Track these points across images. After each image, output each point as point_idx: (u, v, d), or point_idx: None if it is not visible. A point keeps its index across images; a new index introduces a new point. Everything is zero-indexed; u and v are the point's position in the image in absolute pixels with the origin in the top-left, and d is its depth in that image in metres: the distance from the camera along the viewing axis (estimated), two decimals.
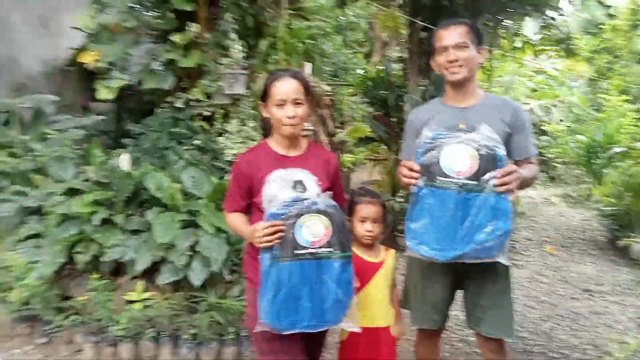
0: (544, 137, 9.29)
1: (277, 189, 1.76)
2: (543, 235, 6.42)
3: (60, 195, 3.32)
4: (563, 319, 3.84)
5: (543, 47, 8.48)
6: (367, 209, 2.14)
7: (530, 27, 8.33)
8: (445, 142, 1.83)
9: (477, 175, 1.77)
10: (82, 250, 3.03)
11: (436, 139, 1.85)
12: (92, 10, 4.31)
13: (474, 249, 1.80)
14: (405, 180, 1.89)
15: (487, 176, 1.77)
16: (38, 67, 7.28)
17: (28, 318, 3.04)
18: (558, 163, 10.37)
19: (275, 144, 1.93)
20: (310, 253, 1.71)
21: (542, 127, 9.46)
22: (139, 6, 4.16)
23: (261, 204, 1.79)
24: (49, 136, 4.14)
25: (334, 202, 1.77)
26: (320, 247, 1.72)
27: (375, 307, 2.17)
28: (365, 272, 2.15)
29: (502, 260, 1.85)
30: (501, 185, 1.76)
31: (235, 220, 1.93)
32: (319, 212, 1.71)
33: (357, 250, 2.17)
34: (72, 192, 3.38)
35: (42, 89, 6.06)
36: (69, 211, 3.13)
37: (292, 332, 1.72)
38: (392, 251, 2.29)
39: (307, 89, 1.88)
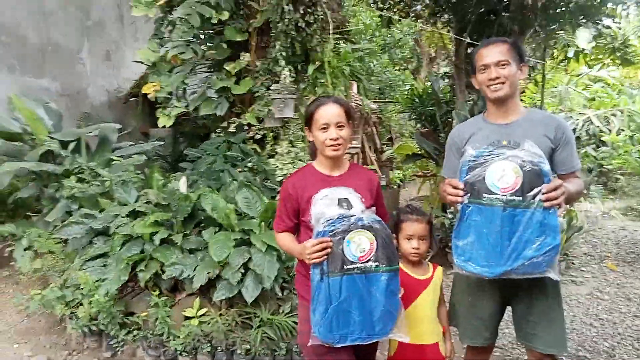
0: (604, 148, 8.91)
1: (324, 207, 1.85)
2: (603, 251, 6.15)
3: (124, 217, 3.56)
4: (625, 338, 3.67)
5: (597, 57, 8.20)
6: (413, 227, 2.19)
7: (583, 36, 8.11)
8: (490, 159, 1.86)
9: (522, 191, 1.79)
10: (143, 268, 3.23)
11: (480, 156, 1.89)
12: (153, 44, 4.62)
13: (523, 264, 1.81)
14: (451, 198, 1.93)
15: (532, 192, 1.79)
16: (102, 97, 7.83)
17: (95, 333, 3.25)
18: (619, 175, 9.91)
19: (320, 166, 2.04)
20: (358, 267, 1.79)
21: (601, 138, 9.08)
22: (194, 39, 4.43)
23: (309, 223, 1.89)
24: (113, 162, 4.43)
25: (378, 218, 1.85)
26: (367, 261, 1.79)
27: (422, 324, 2.18)
28: (413, 289, 2.18)
29: (552, 275, 1.85)
30: (547, 200, 1.78)
31: (285, 240, 2.05)
32: (364, 227, 1.79)
33: (405, 267, 2.22)
34: (135, 214, 3.62)
35: (105, 118, 6.51)
36: (132, 232, 3.36)
37: (344, 345, 1.79)
38: (440, 268, 2.31)
39: (349, 112, 1.99)
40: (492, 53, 2.03)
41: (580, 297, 4.50)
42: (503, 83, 2.01)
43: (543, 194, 1.77)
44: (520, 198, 1.80)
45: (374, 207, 1.92)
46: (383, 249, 1.82)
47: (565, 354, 3.35)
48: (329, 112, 1.93)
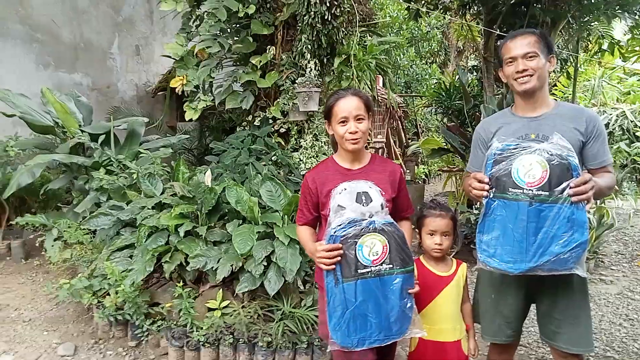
0: (637, 144, 8.62)
1: (342, 200, 1.84)
2: (635, 249, 5.97)
3: (151, 209, 3.62)
4: None
5: (634, 49, 7.91)
6: (435, 222, 2.15)
7: (619, 27, 7.83)
8: (516, 153, 1.81)
9: (549, 186, 1.75)
10: (168, 259, 3.28)
11: (506, 150, 1.84)
12: (180, 38, 4.67)
13: (549, 261, 1.77)
14: (476, 192, 1.89)
15: (560, 186, 1.74)
16: (132, 91, 7.98)
17: (121, 322, 3.32)
18: None
19: (340, 159, 2.03)
20: (372, 271, 1.77)
21: (636, 133, 8.79)
22: (221, 33, 4.45)
23: (328, 216, 1.88)
24: (141, 155, 4.51)
25: (390, 220, 1.82)
26: (381, 264, 1.78)
27: (443, 321, 2.16)
28: (434, 286, 2.15)
29: (580, 272, 1.81)
30: (575, 195, 1.72)
31: (303, 234, 2.06)
32: (376, 230, 1.77)
33: (427, 263, 2.19)
34: (161, 206, 3.68)
35: (134, 112, 6.63)
36: (157, 224, 3.41)
37: (363, 348, 1.79)
38: (464, 265, 2.27)
39: (368, 105, 1.96)
40: (520, 45, 1.98)
41: (609, 297, 4.38)
42: (531, 75, 1.97)
43: (571, 188, 1.72)
44: (547, 193, 1.75)
45: (387, 209, 1.88)
46: (396, 251, 1.80)
47: (592, 354, 3.27)
48: (348, 105, 1.92)
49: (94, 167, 4.48)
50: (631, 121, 9.08)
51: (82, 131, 4.79)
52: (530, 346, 3.42)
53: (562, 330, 2.01)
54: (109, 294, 3.26)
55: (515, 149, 1.82)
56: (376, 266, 1.77)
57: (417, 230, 2.24)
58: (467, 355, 2.20)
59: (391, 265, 1.79)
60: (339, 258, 1.75)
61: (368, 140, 5.17)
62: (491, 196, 1.85)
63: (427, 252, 2.19)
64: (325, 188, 1.93)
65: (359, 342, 1.79)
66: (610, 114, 9.16)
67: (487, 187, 1.85)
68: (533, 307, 2.19)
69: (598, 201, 5.16)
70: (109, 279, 3.24)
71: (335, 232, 1.77)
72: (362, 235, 1.76)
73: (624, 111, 9.21)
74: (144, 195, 3.88)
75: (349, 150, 1.96)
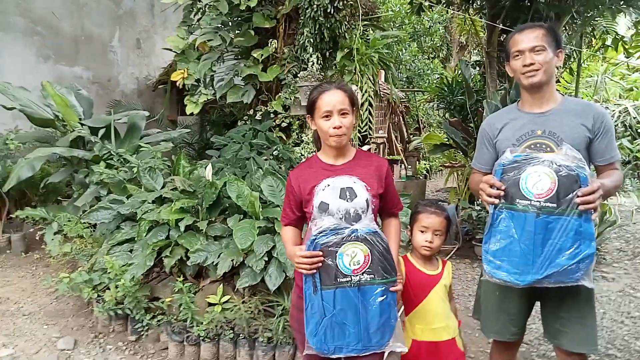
0: None
1: (325, 197, 1.80)
2: (637, 246, 5.95)
3: (151, 203, 3.60)
4: None
5: (638, 44, 7.86)
6: (428, 219, 2.12)
7: (623, 23, 7.78)
8: (525, 163, 1.78)
9: (557, 198, 1.72)
10: (169, 254, 3.26)
11: (515, 161, 1.80)
12: (181, 31, 4.63)
13: (556, 273, 1.75)
14: (486, 199, 1.85)
15: (568, 198, 1.71)
16: (132, 85, 7.94)
17: (121, 316, 3.30)
18: None
19: (324, 156, 1.96)
20: (352, 280, 1.73)
21: (638, 130, 8.76)
22: (222, 26, 4.42)
23: (312, 214, 1.84)
24: (141, 149, 4.48)
25: (374, 229, 1.77)
26: (362, 274, 1.74)
27: (436, 320, 2.12)
28: (425, 285, 2.12)
29: (587, 283, 1.78)
30: (583, 204, 1.69)
31: (286, 235, 2.00)
32: (358, 239, 1.72)
33: (416, 263, 2.16)
34: (161, 200, 3.66)
35: (135, 105, 6.61)
36: (158, 218, 3.39)
37: (340, 356, 1.76)
38: (449, 264, 2.24)
39: (352, 99, 1.88)
40: (527, 38, 1.94)
41: (611, 294, 4.36)
42: (538, 70, 1.93)
43: (578, 197, 1.69)
44: (555, 205, 1.72)
45: (373, 204, 1.85)
46: (379, 261, 1.75)
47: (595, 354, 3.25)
48: (332, 99, 1.83)
49: (94, 161, 4.46)
50: (634, 117, 9.05)
51: (83, 124, 4.77)
52: (531, 343, 3.40)
53: (567, 330, 1.98)
54: (108, 288, 3.25)
55: (524, 159, 1.79)
56: (356, 276, 1.73)
57: (409, 226, 2.21)
58: (463, 351, 2.18)
59: (372, 276, 1.74)
60: (319, 265, 1.71)
61: (370, 135, 5.15)
62: (499, 206, 1.83)
63: (417, 249, 2.15)
64: (308, 186, 1.87)
65: (336, 349, 1.75)
66: (613, 111, 9.11)
67: (496, 193, 1.81)
68: (537, 304, 2.17)
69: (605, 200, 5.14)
70: (109, 273, 3.22)
71: (316, 240, 1.72)
72: (344, 243, 1.71)
73: (627, 107, 9.17)
74: (144, 189, 3.86)
75: (332, 146, 1.88)
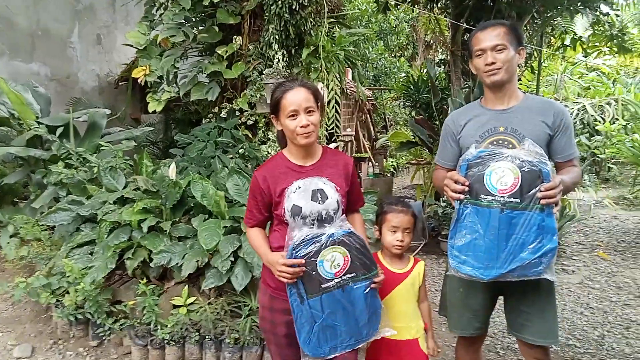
0: (597, 137, 8.90)
1: (297, 200, 1.79)
2: (595, 240, 6.16)
3: (112, 203, 3.49)
4: (614, 327, 3.67)
5: (594, 44, 8.14)
6: (398, 218, 2.11)
7: (580, 23, 8.03)
8: (489, 159, 1.81)
9: (520, 193, 1.75)
10: (131, 256, 3.17)
11: (480, 157, 1.83)
12: (143, 27, 4.51)
13: (519, 267, 1.78)
14: (451, 194, 1.87)
15: (531, 193, 1.75)
16: (93, 82, 7.71)
17: (82, 321, 3.19)
18: (612, 164, 9.92)
19: (291, 155, 1.91)
20: (336, 283, 1.75)
21: (596, 127, 9.07)
22: (185, 21, 4.32)
23: (283, 217, 1.81)
24: (102, 148, 4.35)
25: (349, 229, 1.78)
26: (344, 275, 1.76)
27: (396, 319, 2.08)
28: (387, 283, 2.09)
29: (549, 276, 1.82)
30: (544, 198, 1.73)
31: (255, 237, 1.94)
32: (335, 243, 1.73)
33: (383, 261, 2.16)
34: (123, 201, 3.56)
35: (96, 103, 6.41)
36: (119, 219, 3.29)
37: (335, 355, 1.80)
38: (421, 263, 2.21)
39: (317, 96, 1.85)
40: (489, 37, 1.96)
41: (571, 286, 4.49)
42: (500, 68, 1.95)
43: (541, 191, 1.73)
44: (518, 200, 1.76)
45: (343, 205, 1.86)
46: (358, 259, 1.78)
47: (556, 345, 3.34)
48: (297, 98, 1.79)
49: (52, 161, 4.30)
50: (591, 115, 9.36)
51: (40, 123, 4.59)
52: (495, 336, 3.47)
53: (530, 323, 2.03)
54: (68, 293, 3.13)
55: (488, 155, 1.81)
56: (339, 278, 1.75)
57: (376, 226, 2.20)
58: (426, 354, 2.17)
59: (354, 274, 1.77)
60: (300, 273, 1.70)
61: (337, 133, 5.14)
62: (464, 202, 1.84)
63: (388, 248, 2.14)
64: (278, 187, 1.83)
65: (331, 350, 1.79)
66: (572, 109, 9.41)
67: (461, 188, 1.83)
68: (500, 298, 2.20)
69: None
70: (68, 276, 3.11)
71: (295, 252, 1.71)
72: (322, 250, 1.71)
73: (585, 105, 9.48)
74: (105, 190, 3.75)
75: (301, 145, 1.84)
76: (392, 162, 10.50)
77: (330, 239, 1.73)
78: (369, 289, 1.81)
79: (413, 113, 8.11)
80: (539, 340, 2.02)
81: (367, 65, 11.92)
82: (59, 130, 4.65)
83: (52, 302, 3.22)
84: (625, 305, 4.09)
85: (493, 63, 1.95)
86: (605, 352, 3.28)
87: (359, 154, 8.78)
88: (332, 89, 4.72)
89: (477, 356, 2.33)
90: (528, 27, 6.90)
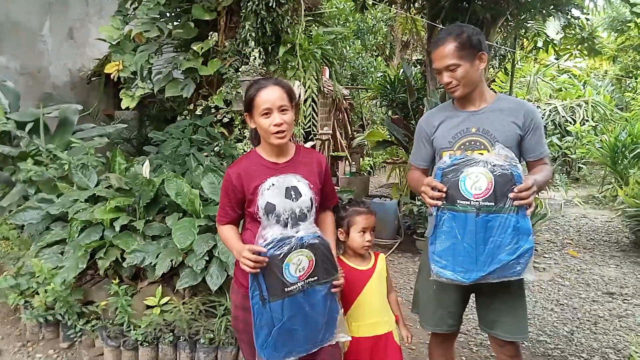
0: (568, 138, 9.13)
1: (271, 197, 1.78)
2: (565, 238, 6.32)
3: (84, 202, 3.41)
4: (583, 322, 3.77)
5: (566, 47, 8.32)
6: (367, 220, 2.15)
7: (552, 26, 8.20)
8: (463, 165, 1.84)
9: (494, 196, 1.79)
10: (103, 255, 3.10)
11: (453, 164, 1.86)
12: (116, 21, 4.42)
13: (498, 268, 1.82)
14: (429, 201, 1.90)
15: (504, 196, 1.79)
16: (64, 77, 7.52)
17: (52, 323, 3.12)
18: (582, 164, 10.18)
19: (264, 153, 1.91)
20: (299, 286, 1.74)
21: (567, 128, 9.30)
22: (160, 16, 4.25)
23: (257, 214, 1.80)
24: (73, 145, 4.25)
25: (318, 233, 1.79)
26: (307, 278, 1.75)
27: (372, 315, 2.14)
28: (358, 281, 2.13)
29: (528, 276, 1.86)
30: (517, 199, 1.77)
31: (227, 234, 1.92)
32: (303, 246, 1.73)
33: (348, 261, 2.18)
34: (95, 199, 3.48)
35: (68, 98, 6.25)
36: (91, 217, 3.22)
37: (290, 359, 1.77)
38: (382, 256, 2.27)
39: (291, 95, 1.85)
40: (439, 57, 1.97)
41: (542, 283, 4.59)
42: (457, 85, 1.98)
43: (514, 193, 1.77)
44: (493, 203, 1.80)
45: (316, 202, 1.87)
46: (322, 263, 1.78)
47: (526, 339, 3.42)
48: (271, 96, 1.78)
49: (21, 158, 4.17)
50: (562, 116, 9.58)
51: (8, 119, 4.45)
52: (469, 333, 3.53)
53: (501, 319, 2.07)
54: (37, 293, 3.05)
55: (462, 161, 1.85)
56: (302, 281, 1.74)
57: (340, 229, 2.20)
58: (399, 345, 2.21)
59: (316, 278, 1.77)
60: (263, 265, 1.67)
61: (314, 132, 5.14)
62: (441, 208, 1.88)
63: (357, 249, 2.17)
64: (252, 184, 1.82)
65: (286, 354, 1.76)
66: (544, 109, 9.61)
67: (438, 195, 1.86)
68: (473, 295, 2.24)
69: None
70: (38, 277, 3.04)
71: (267, 252, 1.69)
72: (290, 253, 1.70)
73: (556, 107, 9.70)
74: (76, 188, 3.66)
75: (274, 144, 1.84)
76: (368, 161, 10.55)
77: (300, 242, 1.72)
78: (329, 292, 1.81)
79: (389, 112, 8.16)
80: (509, 336, 2.06)
81: (345, 64, 11.94)
82: (29, 126, 4.51)
83: (20, 303, 3.13)
84: (594, 301, 4.20)
85: (449, 83, 1.98)
86: (575, 348, 3.37)
87: (336, 152, 8.79)
88: (309, 88, 4.71)
89: (451, 353, 2.36)
90: (502, 30, 7.01)
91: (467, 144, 2.00)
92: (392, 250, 5.54)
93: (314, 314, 1.77)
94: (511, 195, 1.76)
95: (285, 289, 1.71)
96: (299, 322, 1.75)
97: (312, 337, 1.79)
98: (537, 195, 5.19)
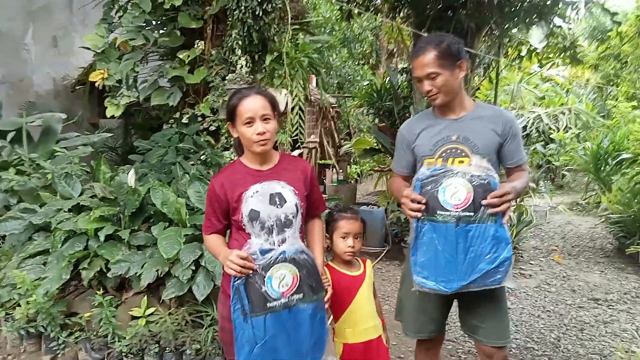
0: (552, 145, 9.25)
1: (255, 204, 1.77)
2: (550, 244, 6.38)
3: (67, 211, 3.36)
4: (570, 329, 3.80)
5: (548, 55, 8.45)
6: (349, 225, 2.15)
7: (535, 35, 8.33)
8: (442, 177, 1.87)
9: (473, 206, 1.83)
10: (87, 266, 3.06)
11: (432, 175, 1.90)
12: (101, 29, 4.38)
13: (479, 277, 1.85)
14: (410, 213, 1.92)
15: (482, 205, 1.82)
16: (48, 85, 7.43)
17: (34, 335, 3.06)
18: (566, 171, 10.31)
19: (248, 161, 1.91)
20: (282, 303, 1.71)
21: (550, 135, 9.43)
22: (146, 24, 4.23)
23: (242, 222, 1.78)
24: (57, 153, 4.19)
25: (302, 247, 1.78)
26: (292, 295, 1.72)
27: (365, 320, 2.15)
28: (351, 287, 2.14)
29: (508, 284, 1.90)
30: (489, 206, 1.80)
31: (213, 242, 1.90)
32: (286, 260, 1.71)
33: (338, 267, 2.19)
34: (79, 209, 3.43)
35: (51, 107, 6.17)
36: (75, 227, 3.17)
37: None
38: (369, 262, 2.31)
39: (274, 104, 1.86)
40: (420, 66, 2.00)
41: (528, 290, 4.62)
42: (437, 94, 2.01)
43: (487, 200, 1.80)
44: (472, 213, 1.83)
45: (302, 209, 1.86)
46: (307, 279, 1.75)
47: (514, 346, 3.43)
48: (253, 105, 1.79)
49: (2, 167, 4.10)
50: (546, 124, 9.71)
51: None
52: (457, 341, 3.53)
53: (483, 325, 2.08)
54: (19, 305, 2.99)
55: (440, 172, 1.89)
56: (286, 298, 1.71)
57: (327, 234, 2.21)
58: (387, 347, 2.22)
59: (301, 295, 1.74)
60: (249, 271, 1.66)
61: (301, 140, 5.13)
62: (421, 219, 1.90)
63: (339, 255, 2.17)
64: (236, 192, 1.80)
65: None
66: (528, 117, 9.74)
67: (418, 207, 1.88)
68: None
69: (518, 199, 5.44)
70: (20, 288, 2.97)
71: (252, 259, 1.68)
72: (272, 266, 1.68)
73: (540, 115, 9.82)
74: (59, 197, 3.60)
75: (257, 153, 1.84)
76: (355, 168, 10.58)
77: (282, 255, 1.70)
78: (317, 313, 1.78)
79: (376, 120, 8.21)
80: (492, 341, 2.08)
81: (331, 72, 12.00)
82: (10, 135, 4.45)
83: (1, 315, 3.07)
84: (579, 307, 4.24)
85: (429, 91, 2.01)
86: (562, 354, 3.38)
87: (323, 160, 8.80)
88: (296, 96, 4.71)
89: (437, 359, 2.37)
90: (487, 38, 7.10)
91: (448, 151, 2.03)
92: (380, 258, 5.54)
93: (297, 335, 1.73)
94: (484, 202, 1.80)
95: (268, 304, 1.68)
96: (281, 342, 1.71)
97: (297, 357, 1.75)
98: (521, 202, 5.19)
